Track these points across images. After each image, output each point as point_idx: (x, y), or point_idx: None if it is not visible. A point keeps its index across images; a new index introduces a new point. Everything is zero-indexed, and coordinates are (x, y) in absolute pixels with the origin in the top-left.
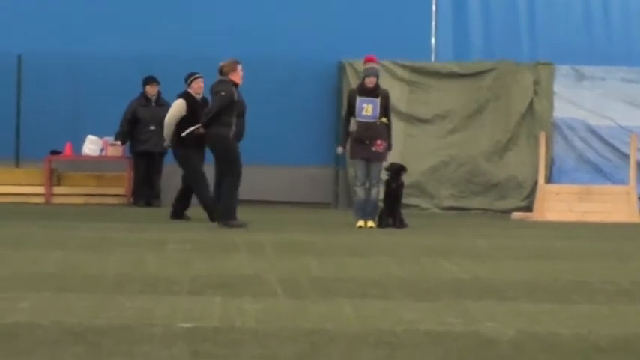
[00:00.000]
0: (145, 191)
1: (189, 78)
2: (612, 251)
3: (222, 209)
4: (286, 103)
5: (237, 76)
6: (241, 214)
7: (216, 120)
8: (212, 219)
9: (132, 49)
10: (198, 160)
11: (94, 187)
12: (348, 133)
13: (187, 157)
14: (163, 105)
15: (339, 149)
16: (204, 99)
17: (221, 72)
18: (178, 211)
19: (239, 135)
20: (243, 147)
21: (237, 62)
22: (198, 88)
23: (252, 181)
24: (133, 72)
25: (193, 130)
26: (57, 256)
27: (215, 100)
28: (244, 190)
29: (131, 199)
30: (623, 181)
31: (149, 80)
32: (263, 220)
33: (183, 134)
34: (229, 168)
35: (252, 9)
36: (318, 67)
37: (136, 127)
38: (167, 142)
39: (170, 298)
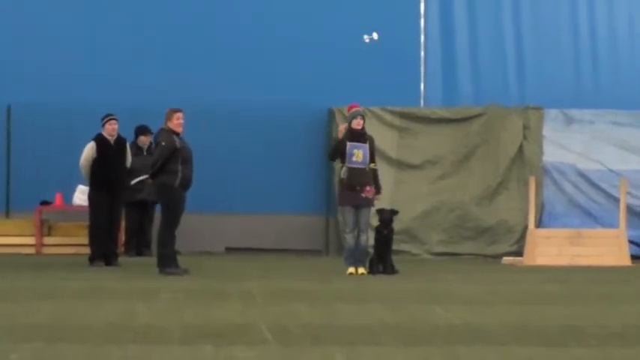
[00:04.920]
0: (135, 241)
1: (103, 120)
2: (604, 295)
3: (158, 257)
4: (276, 150)
5: (174, 125)
6: (233, 262)
7: (162, 169)
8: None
9: (123, 99)
10: (105, 203)
11: (85, 237)
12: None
13: (93, 199)
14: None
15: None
16: (119, 140)
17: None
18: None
19: (186, 181)
20: (235, 195)
21: (175, 111)
22: (111, 130)
23: (243, 229)
24: (123, 122)
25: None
26: (48, 306)
27: (157, 151)
28: (236, 238)
29: (122, 249)
30: (613, 225)
31: (143, 130)
32: (254, 267)
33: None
34: (167, 216)
35: (242, 58)
36: (308, 115)
37: (127, 176)
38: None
39: (161, 347)
